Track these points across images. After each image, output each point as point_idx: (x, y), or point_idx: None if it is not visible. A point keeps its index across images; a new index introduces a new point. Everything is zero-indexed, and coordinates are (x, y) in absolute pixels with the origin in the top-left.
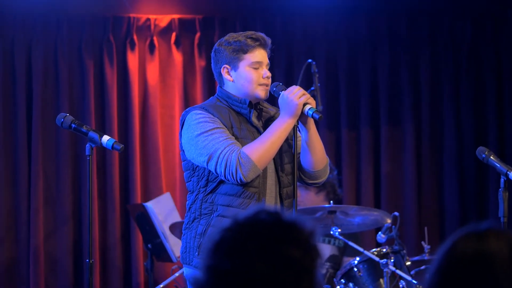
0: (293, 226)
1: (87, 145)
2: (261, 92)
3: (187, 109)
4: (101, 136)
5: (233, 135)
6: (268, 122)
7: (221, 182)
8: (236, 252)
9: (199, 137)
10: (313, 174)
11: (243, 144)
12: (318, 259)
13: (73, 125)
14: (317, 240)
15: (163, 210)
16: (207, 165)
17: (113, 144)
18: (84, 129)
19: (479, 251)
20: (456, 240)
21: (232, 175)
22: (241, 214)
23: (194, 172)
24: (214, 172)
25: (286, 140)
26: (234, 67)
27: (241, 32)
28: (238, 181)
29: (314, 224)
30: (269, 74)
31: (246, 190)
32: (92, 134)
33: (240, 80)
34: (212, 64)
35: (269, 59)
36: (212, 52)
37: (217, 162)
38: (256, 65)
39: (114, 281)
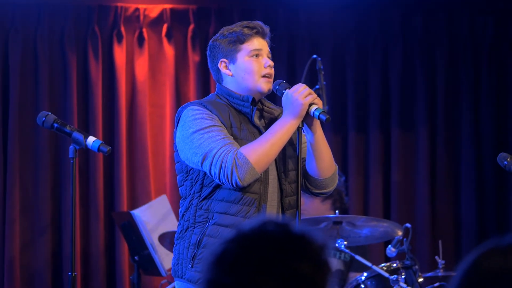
0: (304, 239)
1: (71, 146)
2: (264, 85)
3: (183, 105)
4: (86, 137)
5: (232, 135)
6: (271, 123)
7: (218, 187)
8: (241, 266)
9: (194, 135)
10: (319, 183)
11: (242, 146)
12: (329, 275)
13: (55, 125)
14: (329, 255)
15: (155, 216)
16: (201, 166)
17: (99, 146)
18: (67, 129)
19: (505, 268)
20: (479, 256)
21: (227, 177)
22: (245, 224)
23: (187, 176)
24: (208, 173)
25: (292, 144)
26: (232, 60)
27: (236, 23)
28: (234, 184)
29: (325, 236)
30: (271, 62)
31: (245, 196)
32: (77, 134)
33: (240, 73)
34: (208, 63)
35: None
36: (208, 50)
37: (211, 162)
38: (256, 53)
39: None
